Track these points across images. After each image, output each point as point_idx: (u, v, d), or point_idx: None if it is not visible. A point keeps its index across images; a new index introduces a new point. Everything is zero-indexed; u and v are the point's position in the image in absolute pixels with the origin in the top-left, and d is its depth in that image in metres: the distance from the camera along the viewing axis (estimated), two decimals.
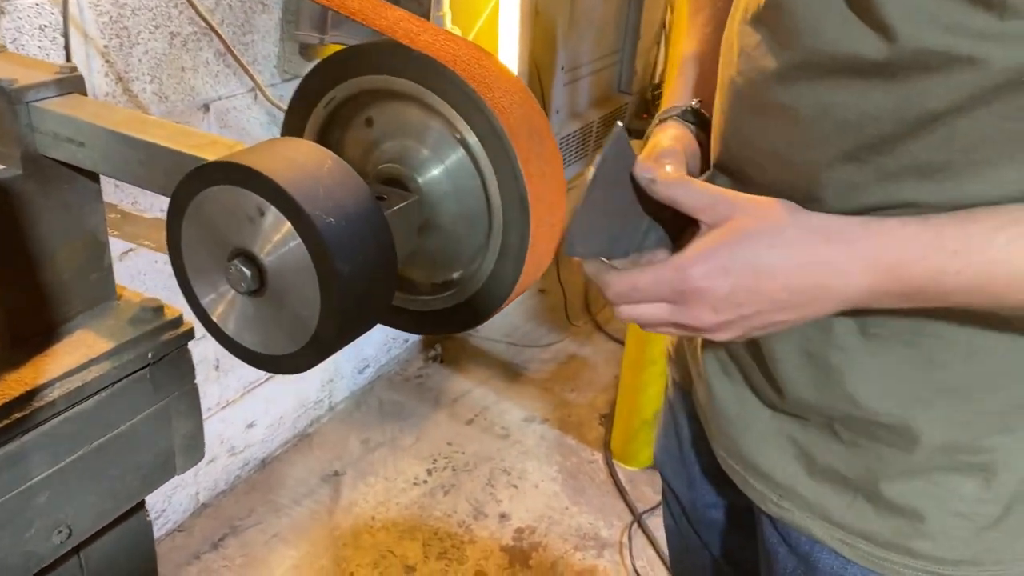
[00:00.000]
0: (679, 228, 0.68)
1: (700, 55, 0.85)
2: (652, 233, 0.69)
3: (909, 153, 0.58)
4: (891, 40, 0.55)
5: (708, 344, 0.82)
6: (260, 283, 0.60)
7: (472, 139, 0.67)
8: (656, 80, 3.08)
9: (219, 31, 1.61)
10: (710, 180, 0.76)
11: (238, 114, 1.80)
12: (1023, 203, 0.55)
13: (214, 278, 0.62)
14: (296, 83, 0.75)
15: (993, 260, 0.54)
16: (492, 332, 2.86)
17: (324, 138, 0.75)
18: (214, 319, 0.63)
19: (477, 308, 0.73)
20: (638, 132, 3.02)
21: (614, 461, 2.30)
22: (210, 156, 0.66)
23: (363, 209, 0.59)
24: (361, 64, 0.69)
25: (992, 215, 0.55)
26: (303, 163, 0.59)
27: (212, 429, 2.03)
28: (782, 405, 0.75)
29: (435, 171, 0.72)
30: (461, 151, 0.70)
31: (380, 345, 2.57)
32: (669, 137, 0.76)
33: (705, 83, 0.83)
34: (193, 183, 0.59)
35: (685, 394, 0.95)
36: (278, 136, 0.74)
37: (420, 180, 0.72)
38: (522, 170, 0.66)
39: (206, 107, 1.72)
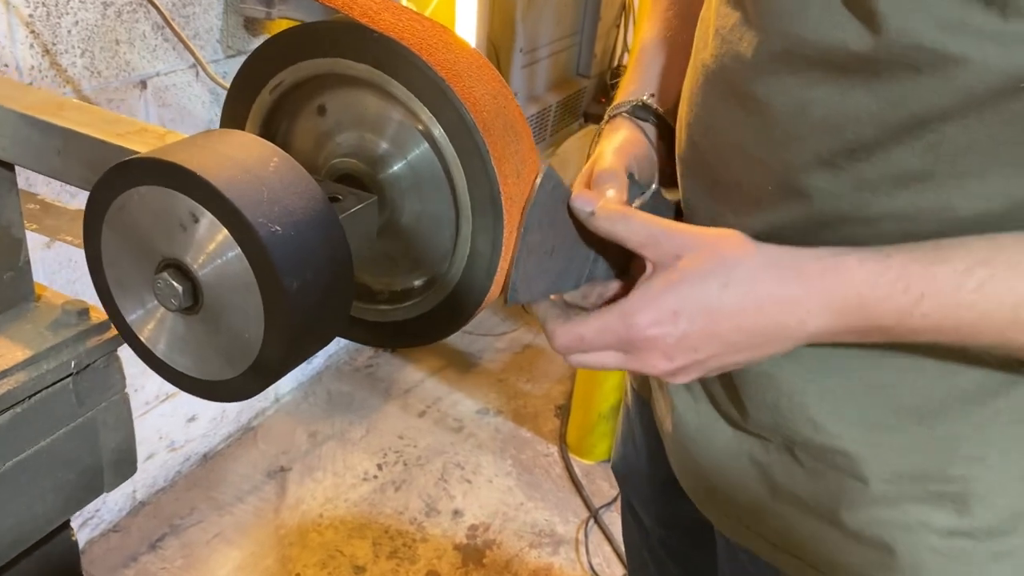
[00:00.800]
0: (628, 253, 0.62)
1: (660, 43, 0.78)
2: (601, 260, 0.63)
3: (890, 160, 0.52)
4: (877, 32, 0.49)
5: None
6: (193, 299, 0.52)
7: (438, 131, 0.59)
8: (616, 63, 3.01)
9: (156, 2, 1.49)
10: (672, 176, 0.69)
11: (178, 92, 1.69)
12: (1001, 229, 0.50)
13: (141, 292, 0.54)
14: (242, 60, 0.67)
15: (962, 304, 0.50)
16: None
17: (270, 128, 0.67)
18: (142, 339, 0.55)
19: (441, 320, 0.66)
20: (596, 117, 2.96)
21: (570, 455, 2.25)
22: (139, 147, 0.58)
23: (315, 215, 0.51)
24: (314, 45, 0.61)
25: (961, 253, 0.50)
26: (244, 161, 0.51)
27: (150, 424, 1.93)
28: (744, 424, 0.69)
29: (396, 167, 0.64)
30: (425, 145, 0.63)
31: None
32: (612, 151, 0.68)
33: (664, 73, 0.77)
34: (114, 182, 0.51)
35: (643, 403, 0.89)
36: (219, 119, 0.65)
37: (379, 177, 0.64)
38: (495, 169, 0.59)
39: (143, 84, 1.61)
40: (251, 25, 1.77)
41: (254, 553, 1.91)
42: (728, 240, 0.55)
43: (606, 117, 0.75)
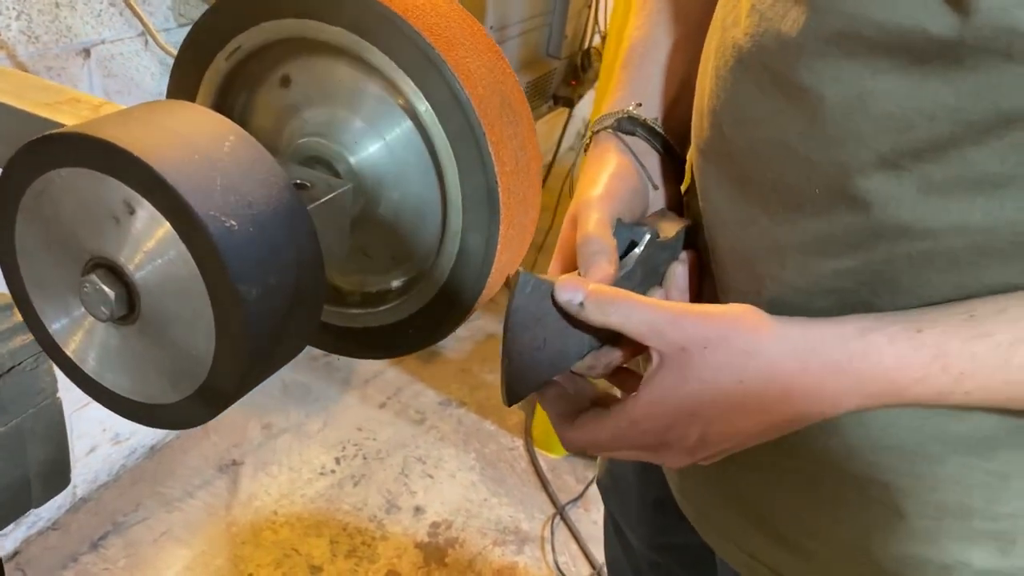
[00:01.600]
0: None
1: (651, 41, 0.69)
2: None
3: (965, 162, 0.44)
4: (966, 12, 0.41)
5: None
6: (129, 308, 0.42)
7: (424, 107, 0.51)
8: (586, 45, 2.92)
9: None
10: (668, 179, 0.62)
11: (125, 62, 1.56)
12: None
13: (66, 297, 0.44)
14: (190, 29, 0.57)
15: (1010, 380, 0.45)
16: None
17: (225, 101, 0.57)
18: (68, 353, 0.46)
19: (421, 328, 0.58)
20: (566, 100, 2.85)
21: (536, 449, 2.18)
22: (67, 120, 0.49)
23: (278, 206, 0.42)
24: (280, 2, 0.52)
25: (1003, 325, 0.45)
26: (193, 139, 0.41)
27: (92, 415, 1.81)
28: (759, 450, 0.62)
29: (372, 148, 0.55)
30: (408, 123, 0.54)
31: None
32: (596, 205, 0.58)
33: (661, 72, 0.68)
34: (31, 161, 0.41)
35: None
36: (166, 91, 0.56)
37: (352, 160, 0.55)
38: (492, 155, 0.50)
39: (86, 52, 1.48)
40: None
41: (204, 552, 1.81)
42: (740, 325, 0.49)
43: (589, 133, 0.66)
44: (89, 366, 0.45)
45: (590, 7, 2.87)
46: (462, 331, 2.63)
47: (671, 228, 0.60)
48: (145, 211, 0.40)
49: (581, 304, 0.50)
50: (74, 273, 0.43)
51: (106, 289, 0.41)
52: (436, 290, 0.56)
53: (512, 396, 0.53)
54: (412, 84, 0.50)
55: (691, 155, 0.62)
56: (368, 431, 2.20)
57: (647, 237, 0.56)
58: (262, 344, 0.42)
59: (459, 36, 0.51)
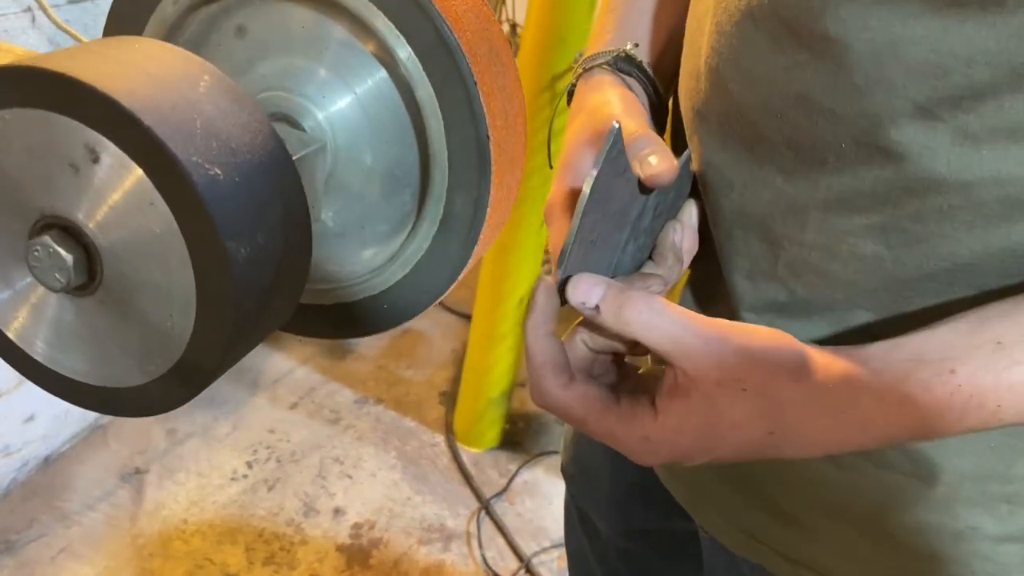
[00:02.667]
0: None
1: None
2: (631, 244, 0.52)
3: (1003, 110, 0.42)
4: None
5: None
6: (89, 274, 0.36)
7: (406, 53, 0.46)
8: None
9: None
10: (684, 135, 0.58)
11: (9, 40, 1.44)
12: None
13: (4, 267, 0.38)
14: (88, 6, 0.51)
15: None
16: None
17: None
18: (9, 335, 0.39)
19: (397, 302, 0.53)
20: None
21: (457, 444, 2.13)
22: None
23: (264, 155, 0.37)
24: None
25: None
26: (165, 77, 0.36)
27: None
28: None
29: (341, 102, 0.50)
30: (382, 74, 0.49)
31: None
32: (624, 112, 0.57)
33: (651, 18, 0.65)
34: None
35: None
36: None
37: (320, 116, 0.50)
38: (483, 105, 0.46)
39: None
40: None
41: (109, 568, 1.69)
42: (781, 370, 0.46)
43: (578, 70, 0.62)
44: (38, 349, 0.39)
45: None
46: None
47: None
48: (111, 157, 0.34)
49: (597, 308, 0.46)
50: (19, 237, 0.36)
51: (62, 252, 0.35)
52: (416, 260, 0.51)
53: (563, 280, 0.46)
54: (393, 27, 0.45)
55: (682, 117, 0.59)
56: (280, 433, 2.11)
57: (687, 152, 0.53)
58: (249, 313, 0.36)
59: None
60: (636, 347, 0.49)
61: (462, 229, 0.49)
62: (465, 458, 2.11)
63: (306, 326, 0.54)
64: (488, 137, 0.46)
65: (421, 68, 0.46)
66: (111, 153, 0.34)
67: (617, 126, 0.43)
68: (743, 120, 0.51)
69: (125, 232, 0.35)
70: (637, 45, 0.62)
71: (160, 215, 0.34)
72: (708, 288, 0.59)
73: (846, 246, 0.49)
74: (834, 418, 0.46)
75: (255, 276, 0.36)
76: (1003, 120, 0.42)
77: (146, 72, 0.35)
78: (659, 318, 0.46)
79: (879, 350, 0.46)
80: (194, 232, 0.34)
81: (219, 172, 0.34)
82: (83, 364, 0.39)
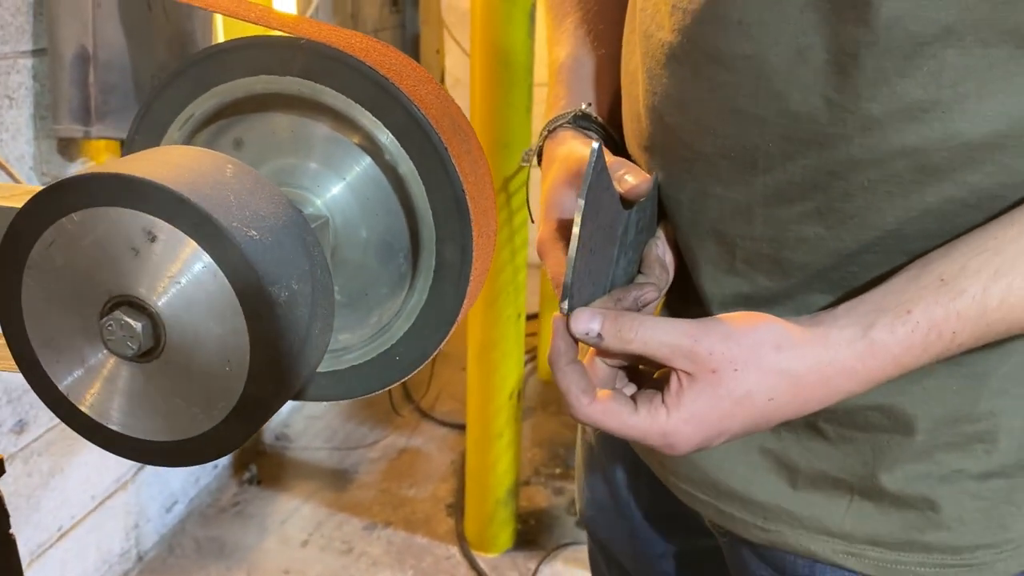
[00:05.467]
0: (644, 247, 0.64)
1: (579, 59, 0.78)
2: (622, 259, 0.60)
3: (896, 95, 0.52)
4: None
5: None
6: (155, 339, 0.43)
7: (385, 139, 0.54)
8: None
9: None
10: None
11: None
12: (1006, 150, 0.52)
13: (78, 348, 0.45)
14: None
15: (991, 322, 0.52)
16: (310, 440, 2.63)
17: None
18: (85, 411, 0.45)
19: (407, 352, 0.60)
20: None
21: (472, 552, 2.14)
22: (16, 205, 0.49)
23: (287, 220, 0.45)
24: (231, 65, 0.55)
25: (970, 279, 0.51)
26: (198, 167, 0.44)
27: None
28: None
29: (335, 189, 0.58)
30: (367, 160, 0.57)
31: (186, 476, 2.27)
32: (577, 149, 0.67)
33: (594, 85, 0.76)
34: (42, 211, 0.42)
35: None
36: None
37: (319, 202, 0.58)
38: (456, 166, 0.54)
39: None
40: (67, 148, 1.65)
41: None
42: (764, 343, 0.53)
43: (544, 132, 0.72)
44: (113, 418, 0.45)
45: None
46: (372, 453, 2.59)
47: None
48: (166, 235, 0.41)
49: (599, 336, 0.54)
50: (90, 319, 0.43)
51: (132, 322, 0.42)
52: (418, 311, 0.58)
53: (571, 301, 0.53)
54: (371, 116, 0.54)
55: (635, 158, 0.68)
56: (296, 572, 2.10)
57: (656, 174, 0.62)
58: (294, 345, 0.43)
59: (404, 68, 0.56)
60: (643, 359, 0.56)
61: (454, 275, 0.56)
62: (483, 564, 2.11)
63: (329, 391, 0.60)
64: (464, 192, 0.54)
65: (400, 147, 0.54)
66: (166, 232, 0.41)
67: (597, 145, 0.52)
68: (681, 143, 0.60)
69: (182, 296, 0.42)
70: (590, 104, 0.72)
71: (211, 275, 0.41)
72: (683, 293, 0.67)
73: (791, 233, 0.58)
74: (819, 372, 0.53)
75: (294, 313, 0.43)
76: (897, 102, 0.51)
77: (182, 166, 0.43)
78: (652, 331, 0.53)
79: (844, 309, 0.54)
80: (242, 283, 0.41)
81: (255, 233, 0.42)
82: (157, 423, 0.45)
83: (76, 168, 1.70)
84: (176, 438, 0.45)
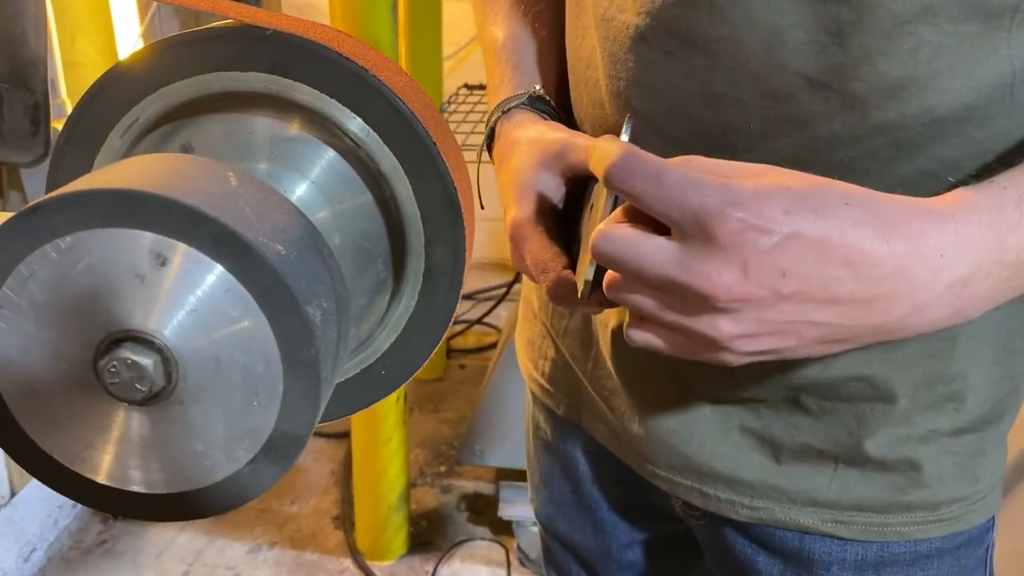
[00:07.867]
0: None
1: (520, 39, 0.75)
2: None
3: (878, 72, 0.52)
4: None
5: (620, 350, 0.71)
6: (167, 378, 0.37)
7: (356, 126, 0.50)
8: None
9: None
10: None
11: None
12: (975, 123, 0.52)
13: (74, 403, 0.38)
14: None
15: None
16: None
17: None
18: (83, 473, 0.39)
19: (394, 364, 0.55)
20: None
21: (367, 562, 2.08)
22: None
23: (302, 232, 0.40)
24: (192, 60, 0.49)
25: None
26: (200, 177, 0.38)
27: None
28: (727, 395, 0.66)
29: (300, 190, 0.53)
30: (338, 159, 0.53)
31: (43, 519, 2.08)
32: (573, 133, 0.63)
33: (539, 67, 0.73)
34: (13, 241, 0.36)
35: (574, 426, 0.83)
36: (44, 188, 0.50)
37: None
38: (445, 161, 0.51)
39: None
40: None
41: None
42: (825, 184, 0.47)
43: (496, 113, 0.69)
44: (135, 479, 0.39)
45: None
46: None
47: None
48: (180, 256, 0.36)
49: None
50: (84, 364, 0.37)
51: (140, 361, 0.36)
52: (405, 320, 0.54)
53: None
54: (347, 111, 0.49)
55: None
56: None
57: (632, 120, 0.57)
58: (327, 371, 0.39)
59: (379, 61, 0.51)
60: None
61: (445, 278, 0.53)
62: (379, 573, 2.06)
63: (336, 407, 0.55)
64: (455, 189, 0.51)
65: (381, 142, 0.50)
66: (180, 252, 0.36)
67: (632, 117, 0.51)
68: (653, 129, 0.59)
69: (201, 324, 0.36)
70: (543, 86, 0.70)
71: (237, 299, 0.36)
72: None
73: None
74: (903, 204, 0.47)
75: (329, 335, 0.38)
76: (879, 80, 0.52)
77: (182, 174, 0.38)
78: (680, 176, 0.47)
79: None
80: (274, 306, 0.36)
81: (282, 248, 0.37)
82: (165, 473, 0.39)
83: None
84: (193, 488, 0.39)
